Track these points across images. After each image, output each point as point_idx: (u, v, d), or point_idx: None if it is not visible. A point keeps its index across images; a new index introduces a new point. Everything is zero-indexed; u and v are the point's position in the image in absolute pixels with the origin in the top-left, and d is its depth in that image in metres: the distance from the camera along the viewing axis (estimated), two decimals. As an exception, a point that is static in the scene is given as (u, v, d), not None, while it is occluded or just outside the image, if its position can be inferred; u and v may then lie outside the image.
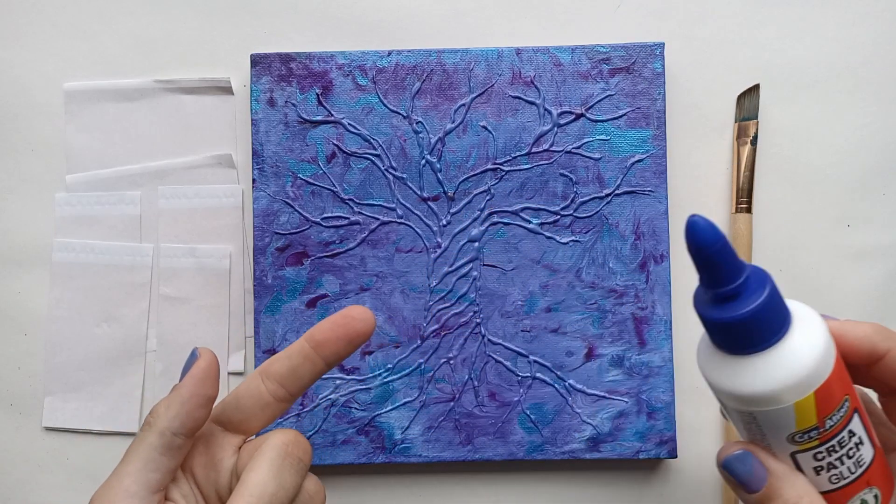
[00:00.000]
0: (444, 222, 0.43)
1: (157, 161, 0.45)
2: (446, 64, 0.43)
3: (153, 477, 0.29)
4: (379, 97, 0.43)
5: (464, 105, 0.43)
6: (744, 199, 0.44)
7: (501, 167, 0.43)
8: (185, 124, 0.45)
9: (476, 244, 0.43)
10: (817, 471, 0.30)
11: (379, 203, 0.43)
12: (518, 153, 0.43)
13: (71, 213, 0.45)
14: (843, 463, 0.29)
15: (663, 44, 0.43)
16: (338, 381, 0.43)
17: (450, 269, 0.43)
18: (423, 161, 0.43)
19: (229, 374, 0.44)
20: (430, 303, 0.43)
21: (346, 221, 0.43)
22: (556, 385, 0.43)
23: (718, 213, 0.45)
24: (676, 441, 0.43)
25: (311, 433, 0.43)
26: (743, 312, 0.27)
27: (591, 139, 0.43)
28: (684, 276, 0.45)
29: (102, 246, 0.45)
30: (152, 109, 0.45)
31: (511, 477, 0.44)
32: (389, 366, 0.43)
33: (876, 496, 0.30)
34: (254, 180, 0.43)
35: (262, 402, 0.31)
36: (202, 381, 0.30)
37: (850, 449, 0.29)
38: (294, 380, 0.31)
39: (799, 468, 0.30)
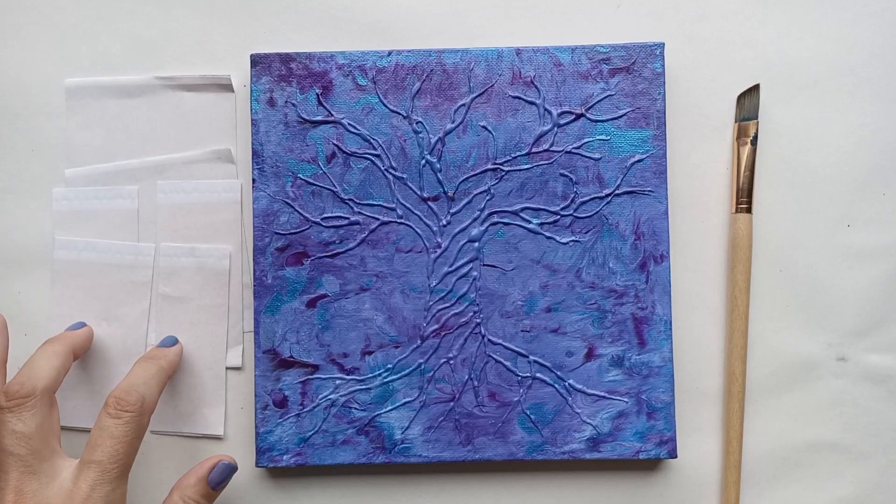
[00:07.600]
0: (444, 222, 0.43)
1: (157, 156, 0.45)
2: (446, 64, 0.43)
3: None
4: (379, 97, 0.43)
5: (464, 105, 0.43)
6: (744, 199, 0.44)
7: (501, 167, 0.43)
8: (185, 121, 0.45)
9: (476, 244, 0.43)
10: None
11: (379, 203, 0.43)
12: (518, 153, 0.43)
13: (69, 207, 0.45)
14: None
15: (663, 44, 0.43)
16: (338, 381, 0.43)
17: (450, 269, 0.43)
18: (423, 161, 0.43)
19: (227, 368, 0.44)
20: (430, 303, 0.43)
21: (346, 221, 0.43)
22: (556, 385, 0.43)
23: (718, 213, 0.45)
24: (676, 441, 0.43)
25: (311, 433, 0.43)
26: None
27: (591, 139, 0.43)
28: (684, 276, 0.45)
29: (104, 244, 0.45)
30: (153, 106, 0.45)
31: (511, 477, 0.44)
32: (389, 366, 0.43)
33: None
34: (254, 180, 0.43)
35: None
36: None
37: None
38: None
39: None
